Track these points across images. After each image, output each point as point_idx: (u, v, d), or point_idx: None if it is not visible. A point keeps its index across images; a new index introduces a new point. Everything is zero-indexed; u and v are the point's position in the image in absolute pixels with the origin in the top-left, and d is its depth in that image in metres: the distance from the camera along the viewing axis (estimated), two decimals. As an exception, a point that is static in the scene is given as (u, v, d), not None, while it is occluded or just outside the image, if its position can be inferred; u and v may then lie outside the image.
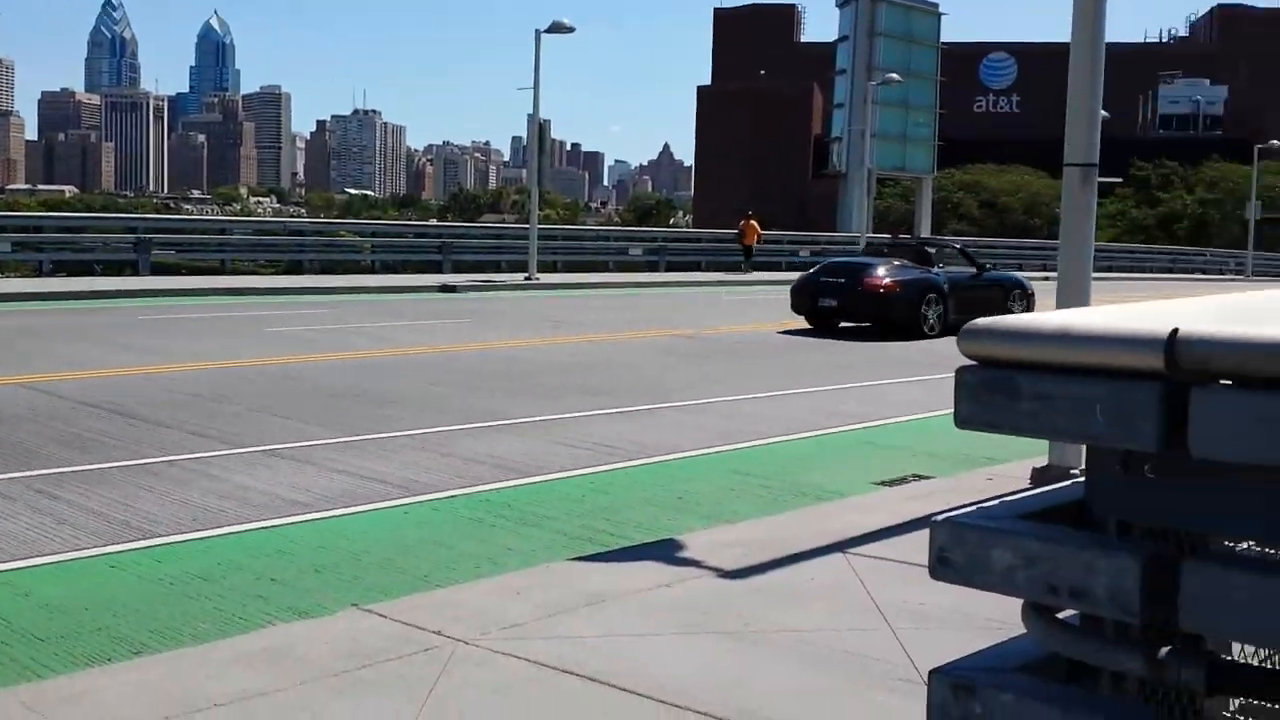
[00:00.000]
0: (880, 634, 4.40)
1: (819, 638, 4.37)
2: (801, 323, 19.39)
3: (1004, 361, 1.88)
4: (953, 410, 1.85)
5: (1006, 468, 7.61)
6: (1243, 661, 1.88)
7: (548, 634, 4.41)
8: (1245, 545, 1.96)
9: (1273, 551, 1.91)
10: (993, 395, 1.89)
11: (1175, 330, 1.61)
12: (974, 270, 20.93)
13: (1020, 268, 37.38)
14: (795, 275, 23.63)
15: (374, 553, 5.94)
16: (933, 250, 21.49)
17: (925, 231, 56.30)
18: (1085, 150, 6.89)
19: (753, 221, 37.00)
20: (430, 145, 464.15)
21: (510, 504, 6.97)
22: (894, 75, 43.78)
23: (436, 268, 31.48)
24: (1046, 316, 1.92)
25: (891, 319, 18.48)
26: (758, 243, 37.16)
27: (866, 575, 5.11)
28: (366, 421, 9.48)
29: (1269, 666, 1.91)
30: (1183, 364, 1.60)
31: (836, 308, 19.02)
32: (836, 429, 9.87)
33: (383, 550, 5.99)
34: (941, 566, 1.95)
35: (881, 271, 19.30)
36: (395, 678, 4.00)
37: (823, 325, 19.22)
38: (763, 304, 24.82)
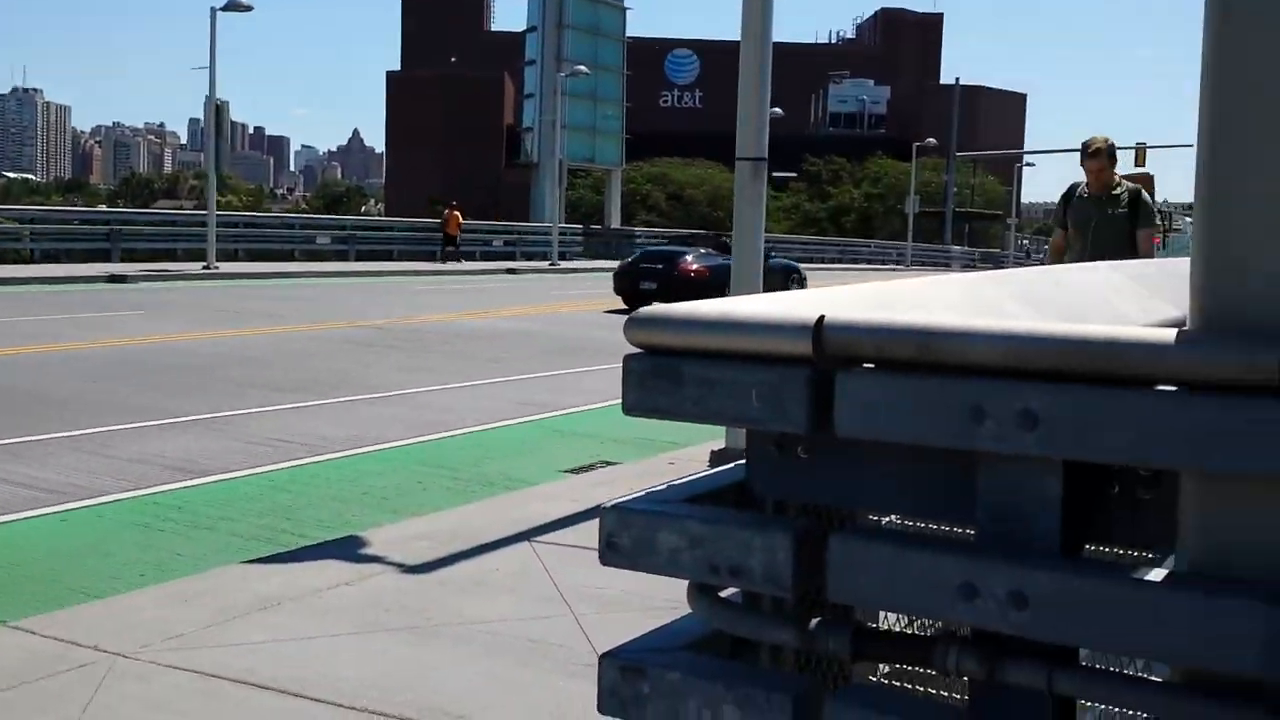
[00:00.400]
0: (563, 620, 4.43)
1: (503, 628, 4.36)
2: (497, 311, 19.42)
3: (668, 349, 1.90)
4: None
5: (688, 451, 7.87)
6: (885, 629, 1.99)
7: (216, 642, 4.19)
8: (890, 519, 2.07)
9: (912, 524, 2.02)
10: (658, 382, 1.90)
11: (822, 317, 1.67)
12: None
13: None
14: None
15: (27, 565, 5.49)
16: (728, 240, 24.30)
17: (616, 223, 57.46)
18: (755, 145, 7.19)
19: (456, 211, 37.28)
20: (99, 126, 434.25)
21: (181, 506, 6.60)
22: (582, 67, 44.45)
23: (105, 256, 29.48)
24: (707, 304, 1.96)
25: (702, 299, 19.66)
26: (460, 231, 37.46)
27: (551, 562, 5.15)
28: (21, 423, 8.74)
29: (910, 632, 2.03)
30: (828, 349, 1.66)
31: (655, 290, 20.94)
32: (528, 418, 9.91)
33: (37, 562, 5.54)
34: (610, 552, 1.95)
35: (691, 258, 22.29)
36: (45, 699, 3.69)
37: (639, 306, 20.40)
38: (459, 293, 24.65)
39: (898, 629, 2.06)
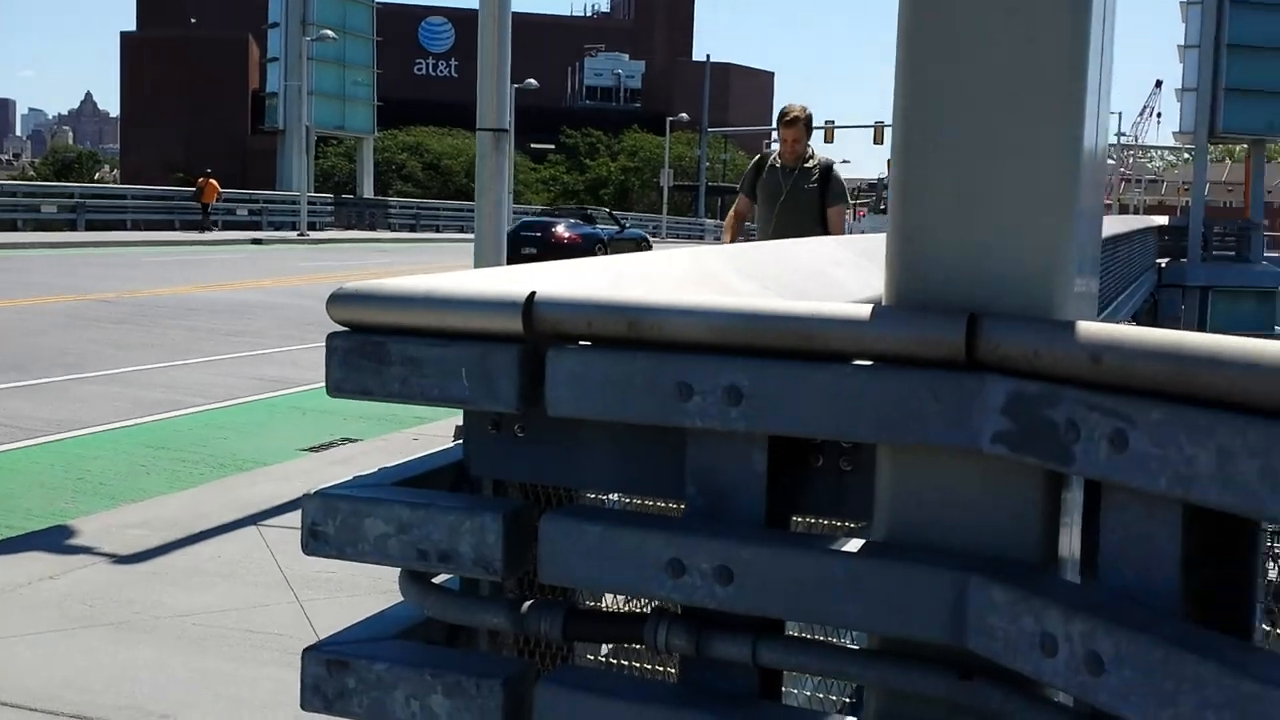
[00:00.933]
0: (287, 608, 4.25)
1: (219, 619, 4.14)
2: (239, 284, 18.68)
3: (374, 326, 1.81)
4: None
5: (433, 426, 7.73)
6: (603, 609, 1.96)
7: (-106, 649, 3.81)
8: (613, 498, 2.04)
9: (640, 503, 1.99)
10: (362, 361, 1.81)
11: (533, 293, 1.62)
12: (618, 228, 29.55)
13: (462, 229, 40.33)
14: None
15: None
16: (593, 212, 30.46)
17: (368, 192, 56.05)
18: (496, 115, 7.10)
19: (212, 180, 36.42)
20: None
21: None
22: (329, 32, 43.14)
23: None
24: (416, 280, 1.88)
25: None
26: (217, 201, 36.55)
27: (278, 547, 4.94)
28: None
29: (625, 611, 2.00)
30: (539, 326, 1.61)
31: (536, 254, 23.67)
32: (265, 395, 9.51)
33: None
34: (314, 541, 1.85)
35: (563, 228, 26.15)
36: None
37: None
38: (199, 264, 23.51)
39: (626, 610, 2.03)
